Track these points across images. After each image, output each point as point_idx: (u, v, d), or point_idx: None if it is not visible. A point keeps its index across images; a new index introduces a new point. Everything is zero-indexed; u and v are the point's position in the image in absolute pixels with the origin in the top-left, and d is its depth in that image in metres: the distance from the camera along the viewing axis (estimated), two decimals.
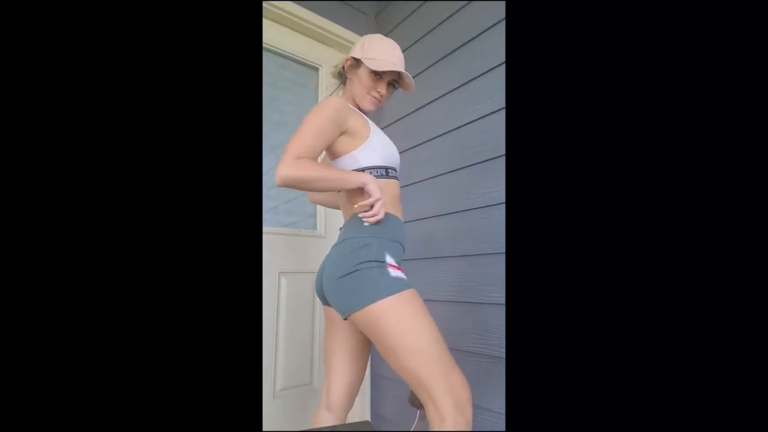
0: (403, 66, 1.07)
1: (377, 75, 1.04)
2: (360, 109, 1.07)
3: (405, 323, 0.86)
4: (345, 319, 0.95)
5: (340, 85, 1.17)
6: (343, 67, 1.11)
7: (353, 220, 1.00)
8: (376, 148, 1.01)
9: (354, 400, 1.12)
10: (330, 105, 0.94)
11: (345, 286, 0.91)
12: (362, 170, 0.99)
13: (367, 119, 1.05)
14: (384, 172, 1.02)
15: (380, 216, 0.94)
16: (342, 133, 0.97)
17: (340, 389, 1.07)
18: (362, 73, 1.05)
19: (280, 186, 0.86)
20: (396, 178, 1.07)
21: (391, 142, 1.08)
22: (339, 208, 1.18)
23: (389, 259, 0.94)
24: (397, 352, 0.86)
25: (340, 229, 1.05)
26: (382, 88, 1.06)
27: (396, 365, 0.88)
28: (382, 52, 1.04)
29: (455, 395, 0.85)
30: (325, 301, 1.04)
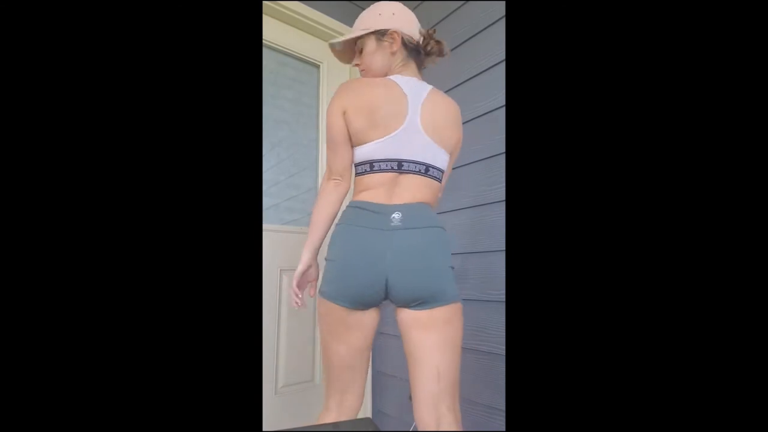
0: None
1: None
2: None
3: (461, 329, 0.96)
4: (428, 310, 0.91)
5: (411, 59, 1.06)
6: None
7: (421, 208, 0.95)
8: None
9: None
10: None
11: (443, 275, 0.93)
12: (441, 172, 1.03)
13: None
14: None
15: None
16: None
17: (359, 397, 1.00)
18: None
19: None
20: None
21: None
22: None
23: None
24: (449, 354, 0.92)
25: (395, 213, 0.92)
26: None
27: (446, 361, 0.92)
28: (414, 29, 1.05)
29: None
30: (364, 299, 0.91)
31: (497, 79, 1.40)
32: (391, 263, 0.89)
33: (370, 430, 0.79)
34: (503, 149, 1.35)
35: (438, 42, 1.04)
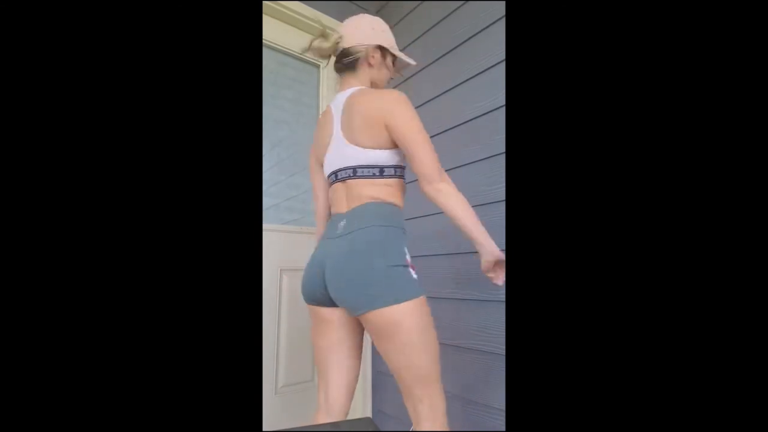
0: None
1: (392, 62, 1.11)
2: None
3: (423, 326, 0.91)
4: (355, 316, 0.95)
5: (345, 71, 1.09)
6: (373, 57, 1.06)
7: (366, 209, 0.97)
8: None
9: (351, 401, 1.10)
10: (410, 104, 0.98)
11: (369, 282, 0.89)
12: (398, 167, 1.02)
13: None
14: (402, 171, 1.05)
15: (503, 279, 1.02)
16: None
17: (341, 389, 1.04)
18: (389, 62, 1.10)
19: (432, 197, 0.94)
20: None
21: None
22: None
23: (407, 257, 0.94)
24: (412, 351, 0.90)
25: (342, 220, 0.99)
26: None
27: (403, 361, 0.90)
28: (391, 36, 1.10)
29: (443, 400, 0.95)
30: (319, 300, 1.01)
31: (497, 79, 1.40)
32: (327, 271, 0.96)
33: (370, 430, 0.79)
34: (503, 149, 1.35)
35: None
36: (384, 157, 0.99)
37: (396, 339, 0.89)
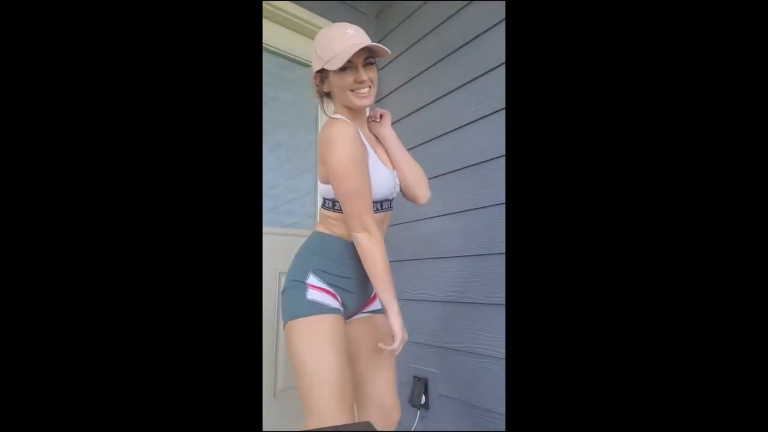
0: (365, 37, 0.94)
1: (348, 68, 0.92)
2: (357, 109, 1.01)
3: (300, 348, 0.92)
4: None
5: (326, 103, 1.05)
6: (317, 85, 1.02)
7: (311, 236, 1.06)
8: (373, 182, 0.96)
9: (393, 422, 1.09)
10: (348, 140, 0.90)
11: (282, 299, 1.00)
12: (337, 201, 0.98)
13: (367, 146, 0.99)
14: (379, 206, 1.00)
15: (396, 353, 0.96)
16: None
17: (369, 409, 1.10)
18: (335, 78, 0.95)
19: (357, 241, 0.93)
20: (390, 208, 1.06)
21: (385, 169, 1.03)
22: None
23: (312, 279, 0.97)
24: (295, 371, 0.93)
25: None
26: (361, 75, 0.93)
27: (295, 372, 0.94)
28: (335, 44, 0.92)
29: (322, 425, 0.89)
30: None
31: (497, 82, 1.40)
32: None
33: (369, 430, 0.79)
34: (503, 152, 1.36)
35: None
36: (328, 190, 1.00)
37: (290, 352, 0.95)
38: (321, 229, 1.05)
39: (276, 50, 1.80)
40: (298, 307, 0.95)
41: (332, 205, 1.00)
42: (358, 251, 0.94)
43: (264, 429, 1.52)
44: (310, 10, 1.82)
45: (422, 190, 1.12)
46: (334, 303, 0.97)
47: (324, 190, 1.01)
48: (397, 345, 0.93)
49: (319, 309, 0.94)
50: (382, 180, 1.00)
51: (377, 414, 1.08)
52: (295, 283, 0.98)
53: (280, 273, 1.66)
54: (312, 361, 0.90)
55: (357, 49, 0.89)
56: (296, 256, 1.05)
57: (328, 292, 0.98)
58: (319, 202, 1.07)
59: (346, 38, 0.92)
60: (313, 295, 0.95)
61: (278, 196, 1.75)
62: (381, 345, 0.95)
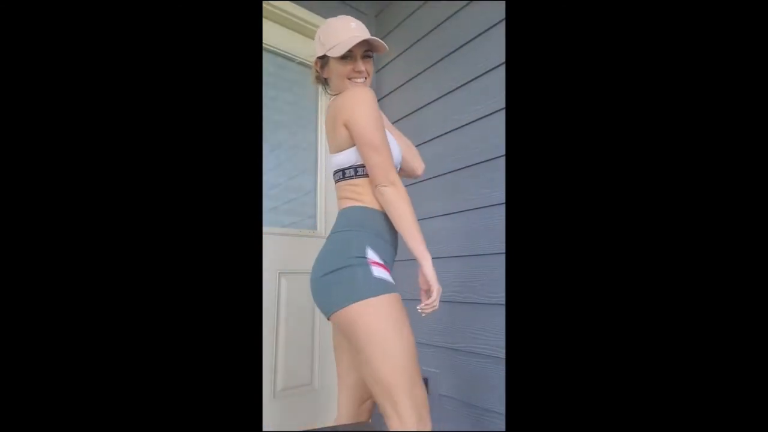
0: (366, 32, 1.01)
1: (348, 57, 0.99)
2: None
3: (381, 329, 0.85)
4: (328, 319, 0.94)
5: (325, 89, 1.12)
6: (317, 71, 1.08)
7: (340, 213, 1.01)
8: None
9: (367, 409, 1.04)
10: (373, 101, 0.94)
11: (326, 284, 0.90)
12: (359, 166, 0.98)
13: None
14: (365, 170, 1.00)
15: (436, 306, 0.91)
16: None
17: (343, 392, 1.04)
18: (334, 65, 1.01)
19: (378, 200, 0.93)
20: None
21: (393, 139, 1.04)
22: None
23: (372, 255, 0.92)
24: (370, 358, 0.85)
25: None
26: (359, 65, 1.01)
27: (366, 370, 0.87)
28: (339, 33, 0.99)
29: (418, 410, 0.85)
30: None
31: (498, 82, 1.40)
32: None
33: (369, 430, 0.78)
34: (503, 152, 1.36)
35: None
36: (350, 157, 0.98)
37: (354, 342, 0.87)
38: (351, 203, 0.99)
39: (276, 50, 1.80)
40: (367, 286, 0.87)
41: (354, 172, 0.99)
42: (385, 206, 0.93)
43: (264, 429, 1.52)
44: (310, 10, 1.82)
45: (419, 162, 1.18)
46: (391, 278, 0.94)
47: (341, 160, 1.00)
48: (434, 297, 0.90)
49: (387, 287, 0.89)
50: (394, 149, 1.01)
51: (354, 398, 1.06)
52: (359, 260, 0.90)
53: (280, 273, 1.66)
54: (396, 341, 0.85)
55: (358, 40, 0.96)
56: (339, 232, 0.97)
57: (385, 267, 0.93)
58: (335, 179, 1.04)
59: (349, 30, 1.00)
60: (378, 272, 0.90)
61: (278, 196, 1.75)
62: (419, 306, 0.90)
